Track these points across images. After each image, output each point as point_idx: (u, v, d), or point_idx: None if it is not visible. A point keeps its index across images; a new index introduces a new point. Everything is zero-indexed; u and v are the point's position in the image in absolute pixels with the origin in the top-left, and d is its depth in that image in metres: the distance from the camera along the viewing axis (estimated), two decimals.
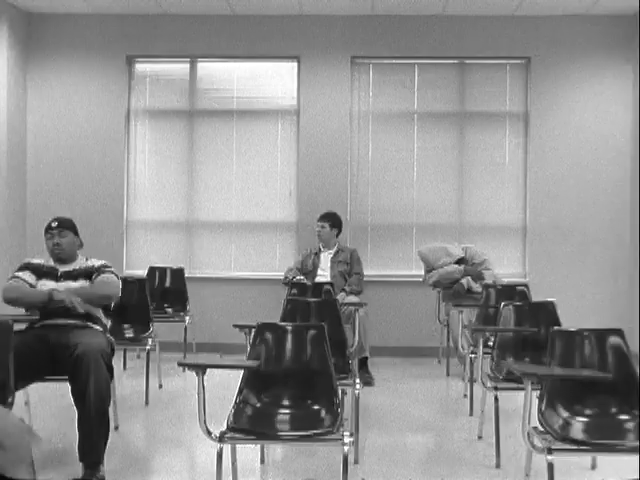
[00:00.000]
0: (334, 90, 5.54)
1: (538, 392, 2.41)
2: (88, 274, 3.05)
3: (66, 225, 3.10)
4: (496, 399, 2.97)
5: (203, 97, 5.69)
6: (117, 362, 3.03)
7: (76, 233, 3.14)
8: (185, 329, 4.99)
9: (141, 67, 5.69)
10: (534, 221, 5.44)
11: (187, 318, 5.04)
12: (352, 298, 4.69)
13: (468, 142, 5.60)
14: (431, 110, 5.61)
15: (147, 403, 3.90)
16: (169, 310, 5.10)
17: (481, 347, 3.26)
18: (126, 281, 3.86)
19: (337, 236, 5.06)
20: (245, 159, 5.71)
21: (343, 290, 4.74)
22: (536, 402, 2.36)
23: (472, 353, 3.74)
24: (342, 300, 4.51)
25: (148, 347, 3.95)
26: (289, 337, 2.65)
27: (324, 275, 4.93)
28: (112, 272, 3.08)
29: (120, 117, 5.63)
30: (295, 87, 5.62)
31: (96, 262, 3.12)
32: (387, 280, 5.53)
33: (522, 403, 2.27)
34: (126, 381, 4.37)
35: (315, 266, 4.99)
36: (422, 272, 5.11)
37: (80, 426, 2.59)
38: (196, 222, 5.74)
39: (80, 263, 3.12)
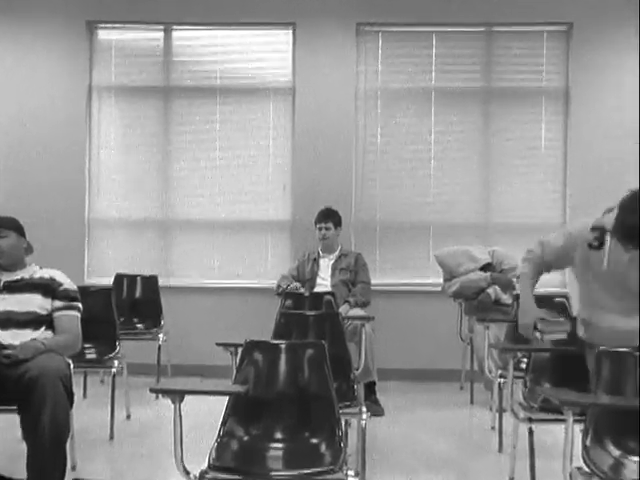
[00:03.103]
0: (336, 63, 5.58)
1: (582, 425, 2.38)
2: (44, 289, 2.97)
3: (7, 224, 3.02)
4: (530, 432, 2.96)
5: (180, 72, 5.74)
6: (76, 388, 2.99)
7: (22, 234, 3.07)
8: (159, 348, 5.03)
9: (105, 35, 5.71)
10: (575, 219, 5.15)
11: (161, 335, 5.10)
12: (357, 311, 4.75)
13: (496, 125, 5.66)
14: (452, 87, 5.65)
15: (112, 437, 3.90)
16: (140, 326, 5.16)
17: (512, 370, 3.26)
18: (88, 291, 3.88)
19: (338, 235, 5.17)
20: (230, 146, 5.75)
21: (347, 302, 4.80)
22: (579, 437, 2.35)
23: (501, 377, 3.78)
24: (345, 313, 4.56)
25: (114, 370, 3.96)
26: (283, 357, 2.68)
27: (324, 284, 4.98)
28: (76, 309, 3.00)
29: (80, 95, 5.64)
30: (290, 60, 5.66)
31: (57, 277, 3.01)
32: (399, 290, 5.58)
33: (562, 438, 2.26)
34: (87, 411, 4.27)
35: (314, 273, 5.05)
36: (440, 280, 5.15)
37: (30, 464, 2.55)
38: (173, 221, 5.80)
39: (30, 272, 3.04)
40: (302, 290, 4.80)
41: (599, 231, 2.64)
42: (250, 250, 5.74)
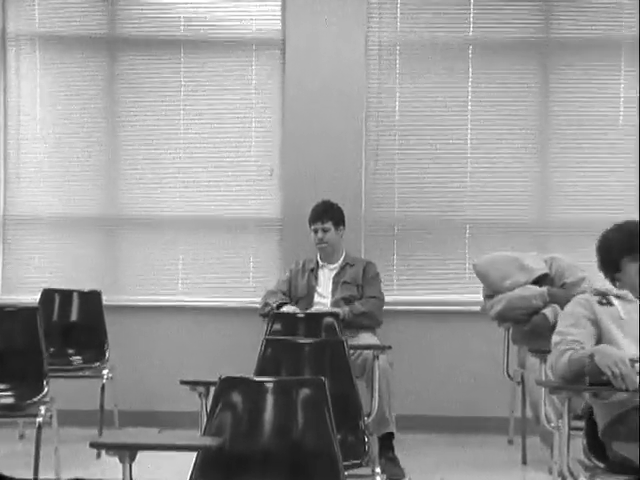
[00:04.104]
0: (340, 7, 5.56)
1: None
2: None
3: None
4: None
5: (130, 18, 5.73)
6: None
7: None
8: (102, 389, 5.00)
9: None
10: None
11: (106, 371, 5.08)
12: (367, 337, 4.83)
13: (556, 88, 5.65)
14: (496, 39, 5.66)
15: None
16: (76, 358, 5.16)
17: (568, 416, 3.29)
18: (3, 312, 3.95)
19: (341, 237, 5.24)
20: (198, 119, 5.76)
21: (349, 304, 4.91)
22: None
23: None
24: (342, 314, 4.73)
25: (39, 420, 3.89)
26: (269, 399, 2.73)
27: (323, 302, 5.06)
28: None
29: None
30: (278, 5, 5.67)
31: None
32: (423, 310, 5.58)
33: None
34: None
35: (310, 288, 5.12)
36: (480, 298, 5.16)
37: None
38: (121, 219, 5.80)
39: None
40: (295, 310, 4.85)
41: (601, 295, 3.33)
42: (226, 258, 5.76)
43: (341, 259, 5.18)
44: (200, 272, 5.79)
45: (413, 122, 5.73)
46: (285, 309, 4.89)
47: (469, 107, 5.70)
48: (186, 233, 5.79)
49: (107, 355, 5.20)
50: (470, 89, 5.68)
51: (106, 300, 5.36)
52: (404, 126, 5.72)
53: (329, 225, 5.10)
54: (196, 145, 5.79)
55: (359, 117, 5.66)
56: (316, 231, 5.10)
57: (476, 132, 5.69)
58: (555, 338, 3.30)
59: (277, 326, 4.51)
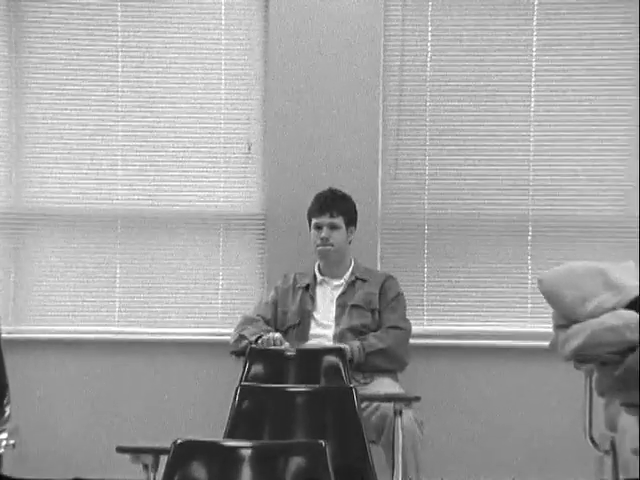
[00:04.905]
0: None
1: None
2: None
3: None
4: None
5: None
6: None
7: None
8: (0, 459, 4.53)
9: None
10: None
11: (4, 436, 4.83)
12: (386, 384, 4.83)
13: None
14: None
15: None
16: None
17: None
18: None
19: (350, 243, 5.26)
20: (141, 75, 5.76)
21: (361, 336, 4.93)
22: None
23: None
24: (351, 352, 4.78)
25: None
26: (246, 473, 2.71)
27: (324, 334, 5.02)
28: None
29: None
30: None
31: None
32: (465, 346, 5.57)
33: None
34: None
35: (305, 314, 5.07)
36: (548, 327, 4.96)
37: None
38: (27, 215, 5.81)
39: None
40: (282, 341, 4.83)
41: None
42: (182, 270, 5.73)
43: (348, 272, 5.13)
44: (145, 291, 5.77)
45: (450, 88, 5.75)
46: (267, 337, 4.84)
47: (532, 64, 5.71)
48: (124, 235, 5.78)
49: (7, 411, 4.78)
50: (534, 43, 5.70)
51: (5, 333, 4.97)
52: (437, 93, 5.74)
53: (339, 221, 5.07)
54: (138, 112, 5.82)
55: (373, 78, 5.67)
56: (319, 227, 5.06)
57: (540, 102, 5.73)
58: None
59: (257, 368, 4.50)
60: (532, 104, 5.71)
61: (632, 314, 4.62)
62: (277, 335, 4.86)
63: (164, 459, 2.77)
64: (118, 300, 5.74)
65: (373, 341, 4.90)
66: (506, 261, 5.66)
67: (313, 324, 5.01)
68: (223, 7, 5.74)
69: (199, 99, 5.78)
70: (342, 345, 4.81)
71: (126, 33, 5.78)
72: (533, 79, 5.71)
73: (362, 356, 4.83)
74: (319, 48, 5.61)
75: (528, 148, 5.72)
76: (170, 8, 5.77)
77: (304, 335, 4.97)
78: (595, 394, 4.79)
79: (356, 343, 4.85)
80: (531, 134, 5.72)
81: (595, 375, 4.76)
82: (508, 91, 5.71)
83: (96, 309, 5.76)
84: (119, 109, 5.77)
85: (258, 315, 5.08)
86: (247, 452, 2.74)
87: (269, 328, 4.98)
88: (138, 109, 5.79)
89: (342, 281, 5.09)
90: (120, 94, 5.77)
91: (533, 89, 5.69)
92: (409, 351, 5.00)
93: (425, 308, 5.59)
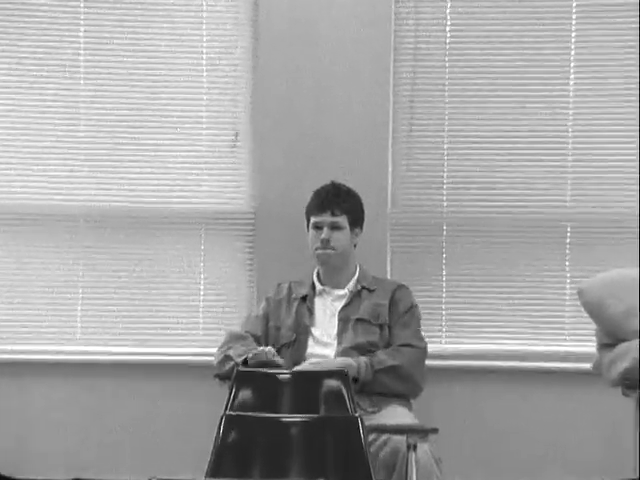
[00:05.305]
0: None
1: None
2: None
3: None
4: None
5: None
6: None
7: None
8: None
9: None
10: None
11: None
12: (398, 413, 4.76)
13: None
14: None
15: None
16: None
17: None
18: None
19: (355, 246, 5.23)
20: (109, 54, 5.79)
21: (368, 355, 4.88)
22: None
23: None
24: (356, 373, 4.69)
25: None
26: None
27: (324, 354, 4.98)
28: None
29: None
30: None
31: None
32: (492, 368, 5.55)
33: None
34: None
35: (302, 329, 5.02)
36: (591, 347, 4.96)
37: None
38: None
39: None
40: (274, 358, 4.74)
41: None
42: (158, 278, 5.74)
43: (353, 280, 5.06)
44: (112, 303, 5.77)
45: (474, 68, 5.75)
46: (257, 351, 4.73)
47: (572, 48, 5.74)
48: (87, 238, 5.76)
49: None
50: (575, 17, 5.72)
51: None
52: (458, 75, 5.73)
53: (342, 220, 4.99)
54: (104, 95, 5.81)
55: (383, 57, 5.68)
56: (319, 228, 4.99)
57: (582, 88, 5.75)
58: None
59: (245, 394, 4.40)
60: (570, 93, 5.71)
61: None
62: (269, 349, 4.75)
63: None
64: (80, 314, 5.71)
65: (383, 357, 4.83)
66: (540, 268, 5.63)
67: (311, 342, 4.93)
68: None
69: (176, 79, 5.79)
70: (346, 362, 4.74)
71: (90, 10, 5.80)
72: (572, 69, 5.69)
73: (370, 374, 4.74)
74: (318, 18, 5.63)
75: (566, 138, 5.72)
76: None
77: (301, 355, 4.88)
78: None
79: (363, 359, 4.77)
80: (569, 124, 5.71)
81: None
82: (541, 77, 5.68)
83: (54, 325, 5.75)
84: (82, 94, 5.79)
85: (246, 331, 5.00)
86: None
87: (259, 347, 4.84)
88: (104, 92, 5.80)
89: (345, 291, 5.01)
90: (83, 77, 5.79)
91: (572, 75, 5.68)
92: (425, 374, 4.91)
93: (443, 323, 5.59)
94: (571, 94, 5.77)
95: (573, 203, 5.70)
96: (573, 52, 5.76)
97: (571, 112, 5.73)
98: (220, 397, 4.47)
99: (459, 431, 5.25)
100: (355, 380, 4.63)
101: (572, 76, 5.75)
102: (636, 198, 5.71)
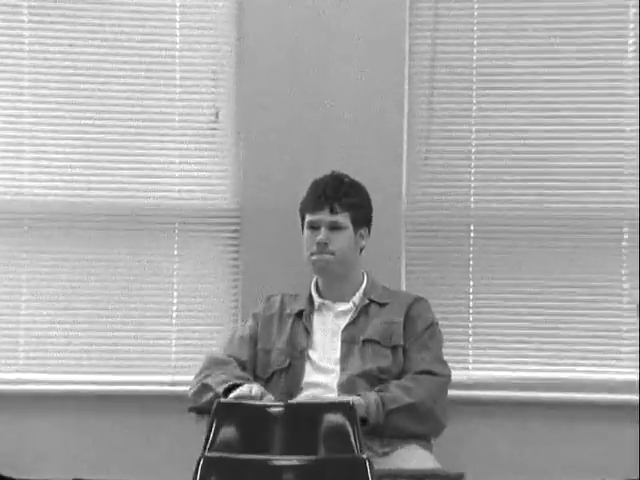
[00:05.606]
0: None
1: None
2: None
3: None
4: None
5: None
6: None
7: None
8: None
9: None
10: None
11: None
12: (417, 455, 4.62)
13: None
14: None
15: None
16: None
17: None
18: None
19: (361, 251, 5.08)
20: (56, 13, 5.71)
21: (379, 385, 4.68)
22: None
23: None
24: (365, 407, 4.48)
25: None
26: None
27: (324, 383, 4.78)
28: None
29: None
30: None
31: None
32: (529, 400, 5.42)
33: None
34: None
35: (296, 353, 4.85)
36: None
37: None
38: None
39: None
40: (261, 393, 4.54)
41: None
42: (121, 290, 5.61)
43: (359, 292, 4.87)
44: (64, 321, 5.63)
45: (504, 47, 5.64)
46: (241, 391, 4.50)
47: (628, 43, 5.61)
48: (33, 240, 5.65)
49: None
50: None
51: None
52: (485, 63, 5.62)
53: (344, 219, 4.81)
54: (52, 67, 5.71)
55: (397, 35, 5.57)
56: (315, 228, 4.82)
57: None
58: None
59: (228, 431, 4.24)
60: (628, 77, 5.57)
61: None
62: (256, 389, 4.51)
63: None
64: (23, 335, 5.61)
65: (397, 393, 4.56)
66: (590, 278, 5.49)
67: (309, 368, 4.71)
68: None
69: (144, 47, 5.69)
70: (351, 398, 4.43)
71: None
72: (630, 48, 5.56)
73: (381, 415, 4.48)
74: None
75: (620, 120, 5.59)
76: None
77: (296, 384, 4.66)
78: None
79: (372, 396, 4.49)
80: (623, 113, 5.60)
81: None
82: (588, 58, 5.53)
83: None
84: (25, 77, 5.72)
85: (229, 355, 4.80)
86: None
87: (244, 374, 4.68)
88: (52, 64, 5.71)
89: (350, 305, 4.79)
90: (29, 55, 5.73)
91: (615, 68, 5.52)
92: (447, 407, 4.69)
93: (470, 346, 5.48)
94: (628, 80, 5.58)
95: (628, 198, 5.53)
96: (626, 46, 5.61)
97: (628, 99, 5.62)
98: (197, 435, 4.30)
99: (489, 477, 5.10)
100: (363, 421, 4.40)
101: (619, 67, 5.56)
102: None
